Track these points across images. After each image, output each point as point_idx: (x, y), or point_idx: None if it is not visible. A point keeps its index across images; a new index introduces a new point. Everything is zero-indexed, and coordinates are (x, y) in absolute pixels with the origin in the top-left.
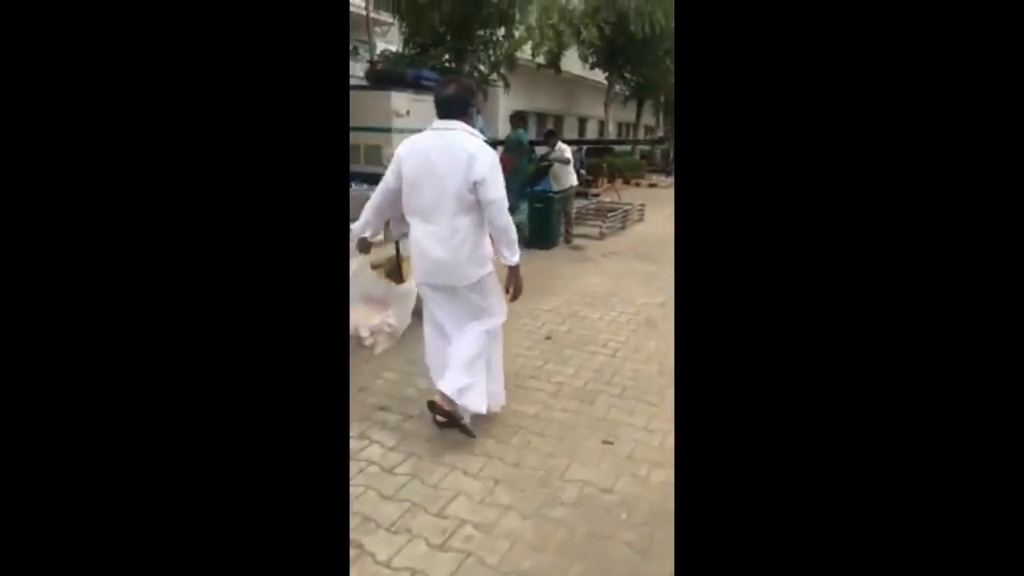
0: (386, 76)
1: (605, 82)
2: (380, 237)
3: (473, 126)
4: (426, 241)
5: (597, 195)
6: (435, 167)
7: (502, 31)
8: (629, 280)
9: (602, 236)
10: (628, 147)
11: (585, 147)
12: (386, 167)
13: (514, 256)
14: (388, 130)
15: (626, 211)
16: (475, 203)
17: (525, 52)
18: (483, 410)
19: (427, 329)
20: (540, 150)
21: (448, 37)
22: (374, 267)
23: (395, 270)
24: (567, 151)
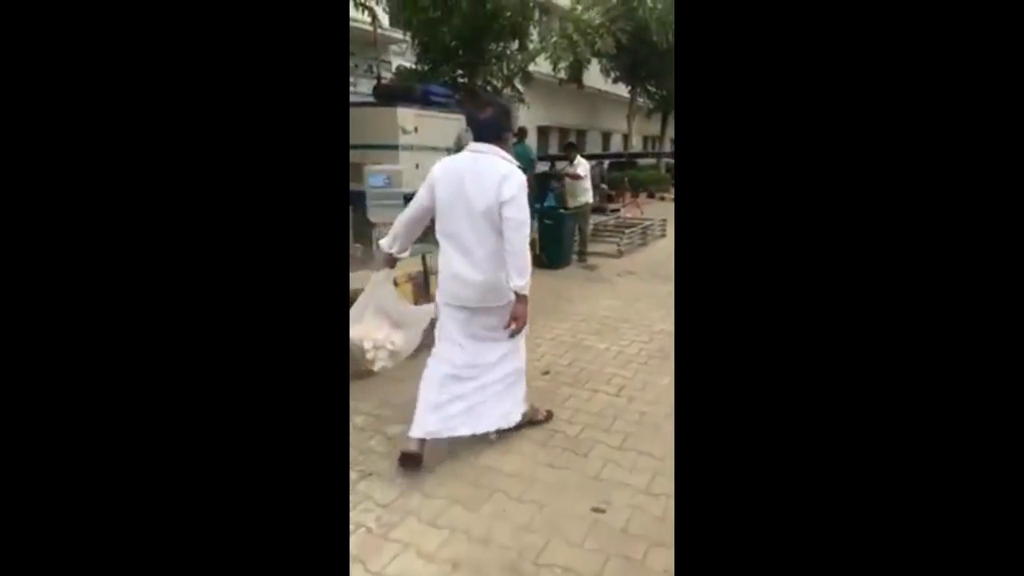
0: (393, 92)
1: (628, 96)
2: (407, 253)
3: (507, 150)
4: (456, 262)
5: (617, 210)
6: (467, 190)
7: (515, 44)
8: (645, 303)
9: (620, 254)
10: (653, 160)
11: (608, 161)
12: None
13: (523, 281)
14: (395, 147)
15: (646, 227)
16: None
17: (544, 66)
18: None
19: (439, 349)
20: (561, 165)
21: (460, 51)
22: (401, 280)
23: (423, 284)
24: (583, 166)
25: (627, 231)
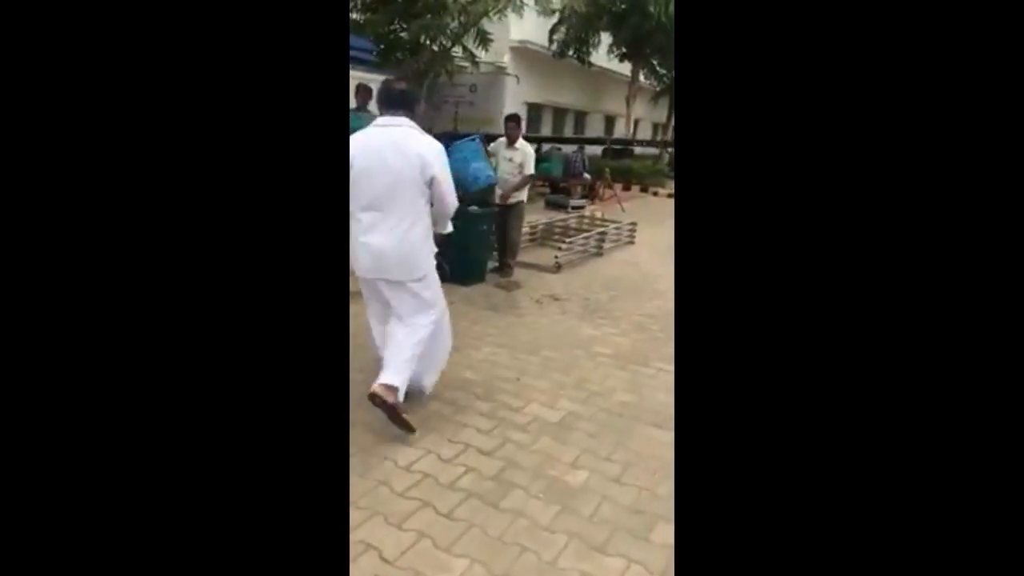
0: None
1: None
2: None
3: (417, 120)
4: (375, 235)
5: (580, 207)
6: (388, 164)
7: None
8: (547, 355)
9: (557, 268)
10: (656, 150)
11: (599, 148)
12: None
13: (447, 229)
14: None
15: (605, 232)
16: (425, 198)
17: (540, 36)
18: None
19: (373, 321)
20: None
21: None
22: None
23: None
24: (522, 151)
25: (575, 236)
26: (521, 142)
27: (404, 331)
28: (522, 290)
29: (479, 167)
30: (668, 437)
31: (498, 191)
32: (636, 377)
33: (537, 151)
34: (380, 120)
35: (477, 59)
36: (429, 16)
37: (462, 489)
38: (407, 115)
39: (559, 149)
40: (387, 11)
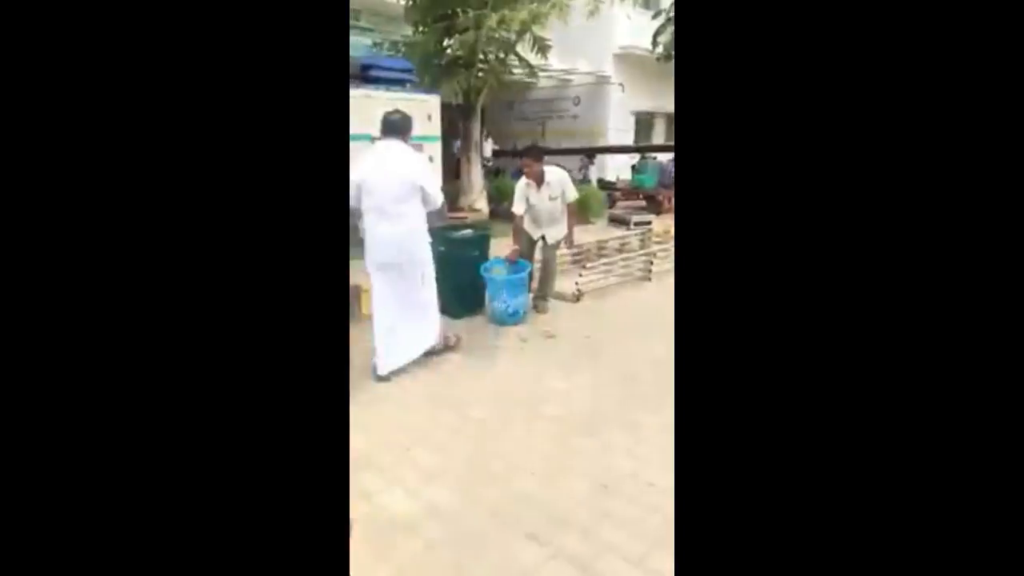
0: None
1: None
2: None
3: (407, 142)
4: (379, 231)
5: (646, 223)
6: (385, 176)
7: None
8: (485, 413)
9: (577, 297)
10: None
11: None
12: None
13: (439, 204)
14: None
15: (649, 255)
16: (416, 199)
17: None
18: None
19: (377, 308)
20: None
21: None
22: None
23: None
24: (552, 180)
25: (613, 258)
26: (549, 172)
27: (414, 309)
28: (526, 325)
29: (513, 303)
30: (545, 561)
31: (546, 230)
32: (564, 456)
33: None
34: (379, 144)
35: (545, 69)
36: (469, 31)
37: None
38: (400, 138)
39: (655, 158)
40: (433, 30)
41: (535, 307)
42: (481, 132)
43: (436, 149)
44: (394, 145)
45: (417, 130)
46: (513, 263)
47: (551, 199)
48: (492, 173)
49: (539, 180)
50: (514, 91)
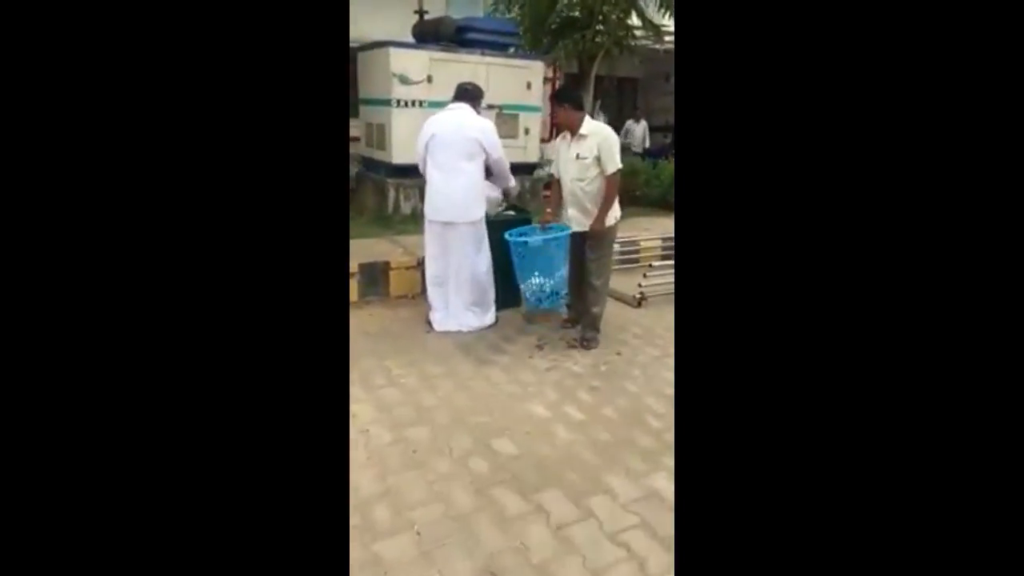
0: (437, 31)
1: None
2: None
3: (477, 108)
4: (438, 181)
5: None
6: (449, 135)
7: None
8: (442, 443)
9: (639, 302)
10: None
11: None
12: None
13: (511, 182)
14: (385, 102)
15: None
16: (477, 161)
17: None
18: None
19: (429, 262)
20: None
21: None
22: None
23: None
24: (592, 137)
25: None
26: (590, 124)
27: (469, 280)
28: (537, 331)
29: (550, 280)
30: None
31: (568, 212)
32: (472, 530)
33: None
34: (450, 105)
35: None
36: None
37: None
38: (469, 103)
39: None
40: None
41: (569, 322)
42: (595, 102)
43: (535, 120)
44: (463, 108)
45: (513, 98)
46: (546, 227)
47: (579, 158)
48: None
49: (574, 128)
50: (637, 58)
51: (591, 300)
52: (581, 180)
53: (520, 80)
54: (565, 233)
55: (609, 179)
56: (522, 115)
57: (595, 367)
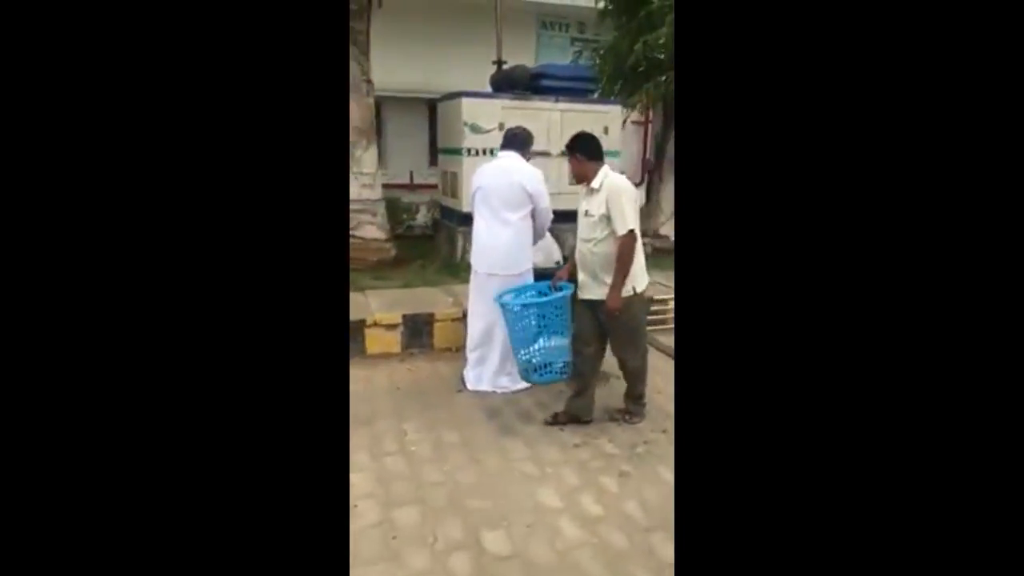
0: (512, 79)
1: None
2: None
3: (525, 156)
4: (484, 232)
5: None
6: (497, 183)
7: None
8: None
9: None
10: None
11: None
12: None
13: (545, 235)
14: (456, 151)
15: None
16: (524, 211)
17: None
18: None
19: (472, 319)
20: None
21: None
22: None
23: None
24: (604, 192)
25: None
26: (607, 176)
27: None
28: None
29: (540, 350)
30: None
31: (579, 277)
32: None
33: None
34: (499, 154)
35: None
36: (664, 26)
37: None
38: (517, 151)
39: None
40: (628, 30)
41: (623, 415)
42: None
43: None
44: (511, 156)
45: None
46: (556, 287)
47: (587, 215)
48: None
49: (587, 179)
50: None
51: (628, 378)
52: (588, 240)
53: (597, 125)
54: (566, 292)
55: (621, 241)
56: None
57: (632, 446)
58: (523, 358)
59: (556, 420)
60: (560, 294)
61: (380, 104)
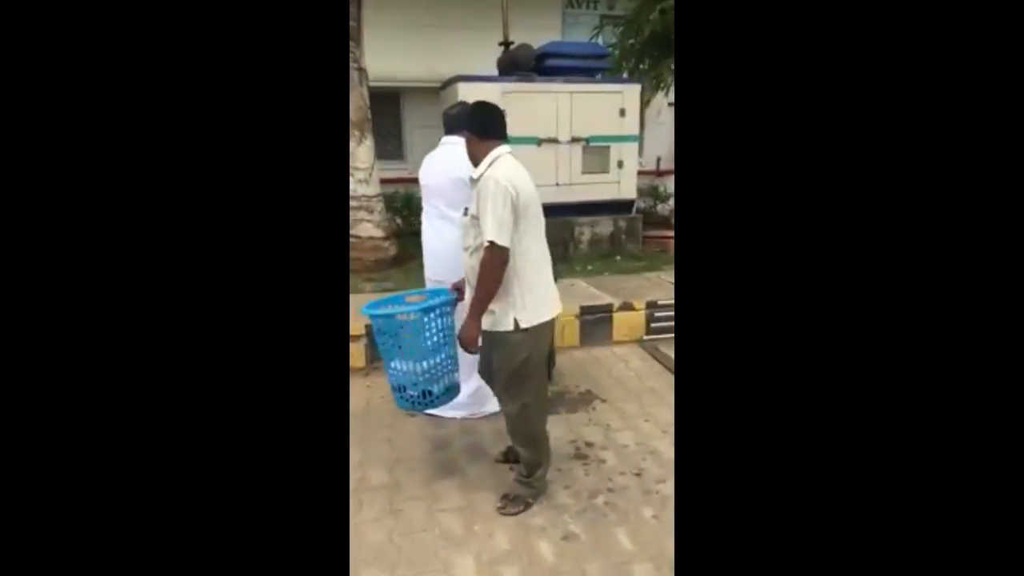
0: (517, 61)
1: None
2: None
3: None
4: (429, 235)
5: None
6: (439, 176)
7: None
8: None
9: None
10: None
11: None
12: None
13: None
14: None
15: None
16: (459, 204)
17: None
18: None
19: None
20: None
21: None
22: None
23: None
24: (480, 186)
25: None
26: (492, 163)
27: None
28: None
29: (412, 372)
30: None
31: (468, 293)
32: None
33: None
34: (442, 141)
35: None
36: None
37: None
38: (460, 135)
39: None
40: (646, 3)
41: (505, 501)
42: None
43: (631, 151)
44: (453, 142)
45: (602, 128)
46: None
47: (465, 212)
48: None
49: (474, 162)
50: None
51: (511, 437)
52: (465, 249)
53: (612, 107)
54: (442, 299)
55: (486, 252)
56: (614, 146)
57: (592, 495)
58: (394, 379)
59: (507, 459)
60: (445, 296)
61: (400, 95)
